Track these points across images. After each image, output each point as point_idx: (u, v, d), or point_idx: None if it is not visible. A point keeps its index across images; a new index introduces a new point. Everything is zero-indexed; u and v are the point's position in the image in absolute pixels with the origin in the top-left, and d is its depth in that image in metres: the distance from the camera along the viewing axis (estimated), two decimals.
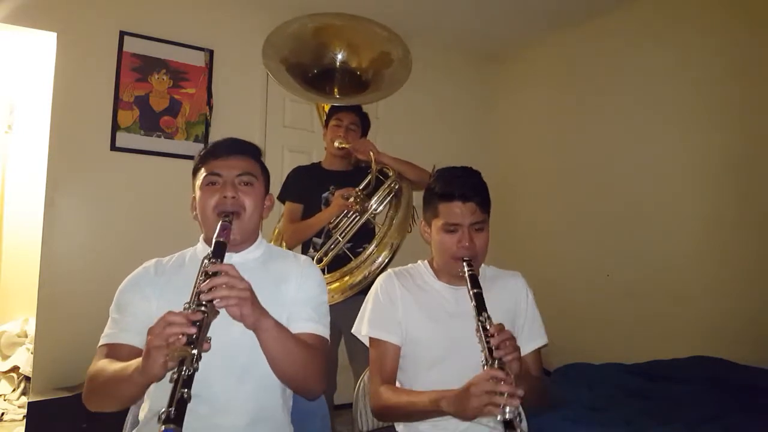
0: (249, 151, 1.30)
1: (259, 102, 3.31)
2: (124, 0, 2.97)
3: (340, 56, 2.34)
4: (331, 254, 2.12)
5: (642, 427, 1.76)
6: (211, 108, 3.13)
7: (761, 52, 2.61)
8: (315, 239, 2.20)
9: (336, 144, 2.23)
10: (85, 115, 2.82)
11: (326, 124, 2.33)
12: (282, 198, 2.29)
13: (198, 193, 1.26)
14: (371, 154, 2.17)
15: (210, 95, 3.13)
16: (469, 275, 1.24)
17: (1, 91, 3.75)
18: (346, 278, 2.09)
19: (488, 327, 1.12)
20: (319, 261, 2.12)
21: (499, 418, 0.99)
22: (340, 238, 2.13)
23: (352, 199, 2.10)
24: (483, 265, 1.48)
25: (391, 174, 2.23)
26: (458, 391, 1.09)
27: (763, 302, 2.52)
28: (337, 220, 2.15)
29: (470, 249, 1.31)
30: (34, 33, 2.82)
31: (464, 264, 1.28)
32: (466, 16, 3.46)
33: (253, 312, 1.05)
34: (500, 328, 1.13)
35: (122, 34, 2.92)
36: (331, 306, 1.95)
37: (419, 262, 1.50)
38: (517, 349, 1.13)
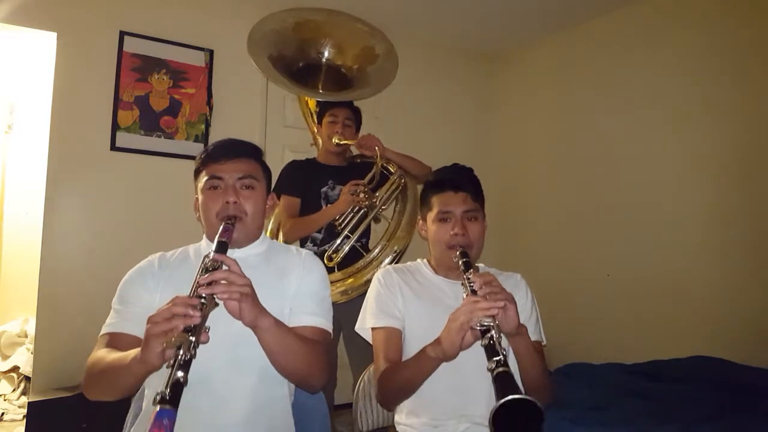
0: (249, 152, 1.30)
1: (259, 102, 3.31)
2: (124, 0, 2.97)
3: (323, 52, 2.32)
4: (340, 253, 2.11)
5: (642, 427, 1.76)
6: (211, 108, 3.13)
7: (760, 51, 2.62)
8: (315, 234, 2.19)
9: (335, 140, 2.21)
10: (85, 115, 2.82)
11: (319, 121, 2.32)
12: (278, 192, 2.23)
13: (200, 196, 1.27)
14: (377, 149, 2.16)
15: (210, 95, 3.13)
16: (463, 262, 1.25)
17: (1, 91, 3.75)
18: (350, 280, 2.08)
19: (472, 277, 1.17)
20: (330, 259, 2.11)
21: (476, 326, 1.03)
22: (350, 235, 2.12)
23: (362, 195, 2.09)
24: (483, 265, 1.49)
25: (394, 169, 2.22)
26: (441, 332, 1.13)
27: (763, 302, 2.52)
28: (343, 217, 2.13)
29: (463, 237, 1.33)
30: (34, 33, 2.82)
31: (457, 252, 1.29)
32: (466, 16, 3.46)
33: (251, 310, 1.05)
34: (484, 274, 1.18)
35: (122, 34, 2.92)
36: (336, 305, 1.96)
37: (417, 260, 1.51)
38: (503, 288, 1.14)
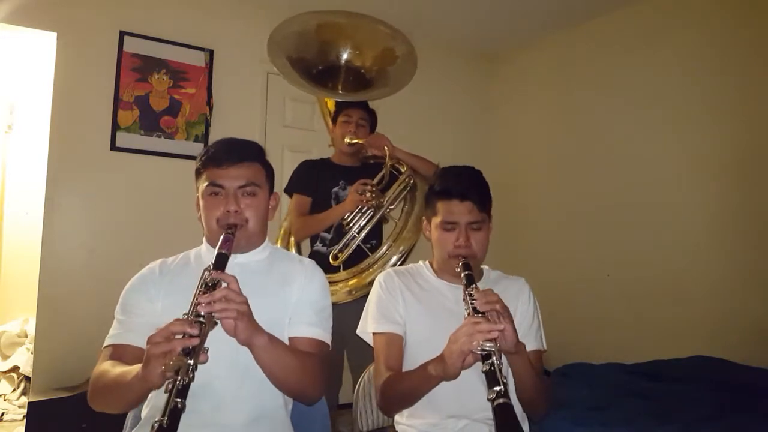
0: (251, 156, 1.28)
1: (259, 102, 3.31)
2: (124, 0, 2.97)
3: (343, 54, 2.31)
4: (346, 251, 2.10)
5: (642, 427, 1.76)
6: (211, 108, 3.13)
7: (760, 50, 2.62)
8: (323, 234, 2.19)
9: (347, 140, 2.21)
10: (85, 115, 2.82)
11: (334, 121, 2.31)
12: (290, 190, 2.27)
13: (201, 200, 1.26)
14: (386, 148, 2.15)
15: (210, 95, 3.13)
16: (465, 275, 1.25)
17: (1, 91, 3.75)
18: (355, 280, 2.07)
19: (474, 294, 1.16)
20: (335, 258, 2.10)
21: (478, 350, 1.02)
22: (356, 234, 2.11)
23: (368, 195, 2.08)
24: (487, 268, 1.49)
25: (404, 169, 2.21)
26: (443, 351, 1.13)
27: (764, 302, 2.52)
28: (351, 216, 2.12)
29: (466, 248, 1.32)
30: (34, 33, 2.82)
31: (460, 263, 1.28)
32: (466, 16, 3.46)
33: (246, 329, 1.05)
34: (487, 291, 1.17)
35: (122, 34, 2.92)
36: (341, 305, 1.94)
37: (420, 262, 1.51)
38: (505, 307, 1.14)
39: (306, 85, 2.24)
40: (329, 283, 2.04)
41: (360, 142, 2.21)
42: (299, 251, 2.30)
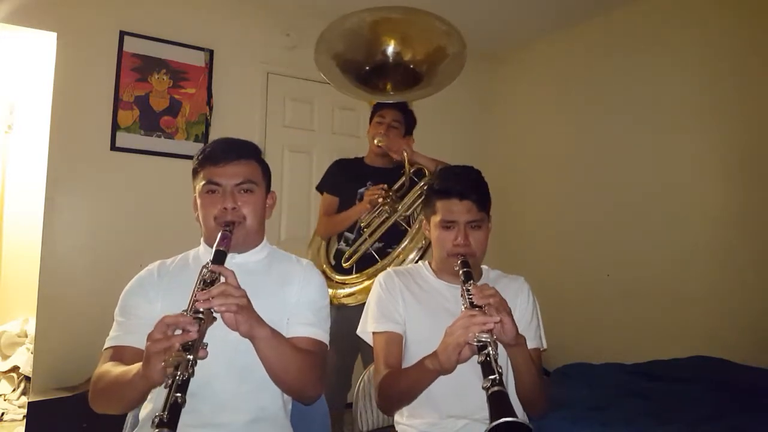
0: (248, 154, 1.29)
1: (259, 102, 3.31)
2: (124, 0, 2.97)
3: (396, 50, 2.28)
4: (358, 254, 2.11)
5: (642, 427, 1.76)
6: (211, 108, 3.13)
7: (759, 50, 2.62)
8: (347, 234, 2.20)
9: (376, 141, 2.21)
10: (85, 115, 2.82)
11: (370, 121, 2.31)
12: (320, 189, 2.32)
13: (198, 198, 1.26)
14: (405, 153, 2.14)
15: (210, 95, 3.13)
16: (463, 272, 1.25)
17: (1, 91, 3.75)
18: (368, 282, 2.05)
19: (471, 289, 1.17)
20: (347, 260, 2.11)
21: (473, 342, 1.03)
22: (368, 237, 2.12)
23: (381, 200, 2.08)
24: (486, 267, 1.49)
25: (427, 174, 2.18)
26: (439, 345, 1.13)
27: (763, 303, 2.52)
28: (369, 219, 2.13)
29: (465, 247, 1.32)
30: (34, 33, 2.82)
31: (459, 261, 1.29)
32: (466, 16, 3.44)
33: (247, 320, 1.05)
34: (484, 286, 1.17)
35: (122, 34, 2.92)
36: (353, 307, 1.93)
37: (419, 262, 1.51)
38: (502, 300, 1.15)
39: (348, 84, 2.21)
40: (342, 284, 2.06)
41: (382, 144, 2.21)
42: (327, 248, 2.32)
